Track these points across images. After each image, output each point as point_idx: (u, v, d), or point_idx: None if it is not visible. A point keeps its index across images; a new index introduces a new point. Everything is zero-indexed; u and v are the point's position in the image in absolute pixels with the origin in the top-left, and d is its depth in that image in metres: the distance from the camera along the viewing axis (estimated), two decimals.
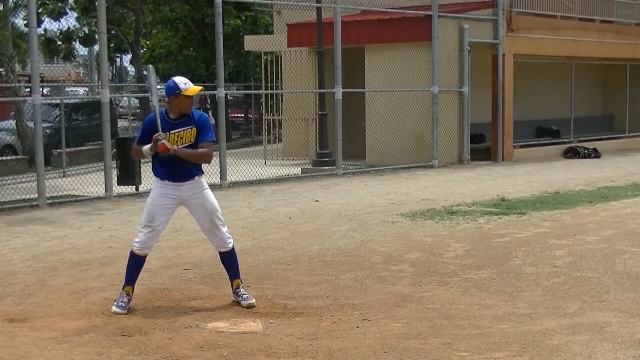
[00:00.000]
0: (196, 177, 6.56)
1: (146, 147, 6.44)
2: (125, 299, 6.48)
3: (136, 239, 6.57)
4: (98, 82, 19.43)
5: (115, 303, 6.47)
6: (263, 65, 21.43)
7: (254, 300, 6.64)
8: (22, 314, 6.40)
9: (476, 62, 19.46)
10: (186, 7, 28.60)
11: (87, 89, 35.75)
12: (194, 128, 6.48)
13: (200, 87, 6.68)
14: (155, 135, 6.34)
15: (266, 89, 20.96)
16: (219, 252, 6.78)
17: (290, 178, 16.24)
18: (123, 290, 6.54)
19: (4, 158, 18.29)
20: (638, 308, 6.48)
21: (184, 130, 6.46)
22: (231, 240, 6.72)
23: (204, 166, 6.70)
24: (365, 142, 19.10)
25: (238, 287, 6.72)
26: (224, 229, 6.67)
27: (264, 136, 20.85)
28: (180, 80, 6.46)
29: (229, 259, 6.75)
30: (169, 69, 33.27)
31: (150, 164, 6.76)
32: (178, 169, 6.49)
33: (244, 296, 6.67)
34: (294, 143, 20.53)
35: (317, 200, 12.97)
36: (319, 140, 18.22)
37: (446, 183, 15.35)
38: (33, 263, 8.37)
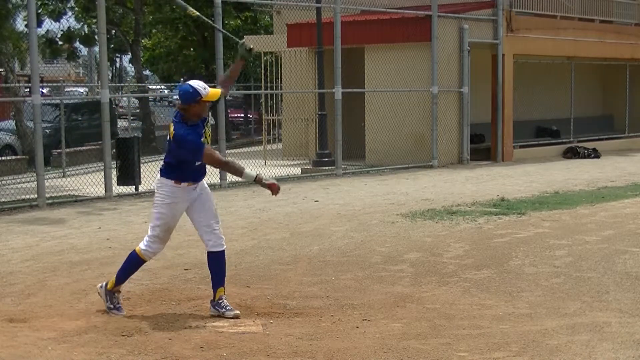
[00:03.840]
0: None
1: (250, 174, 6.24)
2: (117, 300, 6.41)
3: (149, 247, 6.34)
4: (98, 82, 19.42)
5: (113, 307, 6.38)
6: (263, 66, 21.43)
7: (238, 312, 6.33)
8: (22, 314, 6.39)
9: (476, 62, 19.45)
10: None
11: (86, 89, 35.74)
12: (208, 122, 6.33)
13: (220, 90, 6.32)
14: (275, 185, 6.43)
15: (266, 89, 20.96)
16: (210, 253, 6.40)
17: (290, 178, 16.23)
18: (113, 291, 6.41)
19: (3, 158, 18.29)
20: (638, 308, 6.49)
21: (204, 129, 6.25)
22: (224, 239, 6.50)
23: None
24: (365, 142, 19.09)
25: (221, 298, 6.37)
26: (219, 226, 6.48)
27: (264, 136, 20.84)
28: (200, 85, 6.08)
29: (220, 261, 6.40)
30: (169, 69, 33.29)
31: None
32: (203, 170, 6.39)
33: (228, 307, 6.33)
34: (294, 143, 20.51)
35: (317, 201, 12.97)
36: (319, 140, 18.19)
37: (446, 183, 15.35)
38: (33, 263, 8.36)
